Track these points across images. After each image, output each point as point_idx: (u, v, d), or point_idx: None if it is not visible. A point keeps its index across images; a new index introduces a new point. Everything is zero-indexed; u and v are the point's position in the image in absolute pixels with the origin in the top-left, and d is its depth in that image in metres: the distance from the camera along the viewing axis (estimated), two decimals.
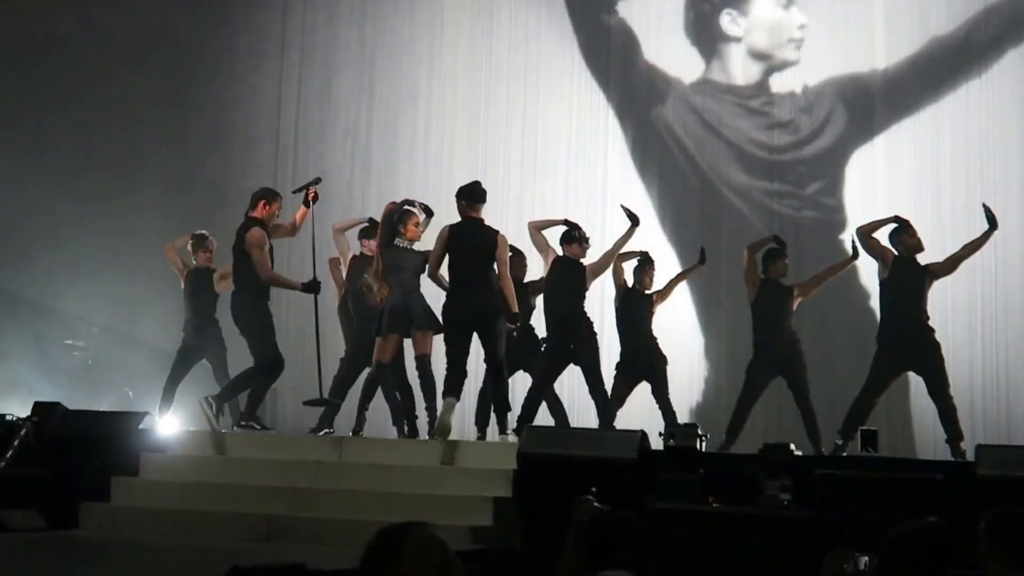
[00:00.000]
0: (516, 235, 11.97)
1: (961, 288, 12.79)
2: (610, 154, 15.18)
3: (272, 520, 9.57)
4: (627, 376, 12.18)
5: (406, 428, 11.36)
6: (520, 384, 12.23)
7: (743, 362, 12.15)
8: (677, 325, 13.38)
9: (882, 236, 11.51)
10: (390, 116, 15.89)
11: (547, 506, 8.67)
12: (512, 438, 10.45)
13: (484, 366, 10.99)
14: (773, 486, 9.01)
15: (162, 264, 12.82)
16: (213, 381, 12.15)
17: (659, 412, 11.97)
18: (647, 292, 12.29)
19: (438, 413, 10.63)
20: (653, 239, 14.04)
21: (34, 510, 9.95)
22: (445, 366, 10.70)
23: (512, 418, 11.06)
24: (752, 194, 14.75)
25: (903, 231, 11.43)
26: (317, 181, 11.60)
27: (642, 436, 9.76)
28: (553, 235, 12.09)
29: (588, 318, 11.81)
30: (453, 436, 10.74)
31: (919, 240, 11.42)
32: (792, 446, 9.93)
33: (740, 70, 15.16)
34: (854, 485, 8.94)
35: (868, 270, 12.60)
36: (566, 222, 12.14)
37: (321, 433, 11.35)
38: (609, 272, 12.19)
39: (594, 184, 15.03)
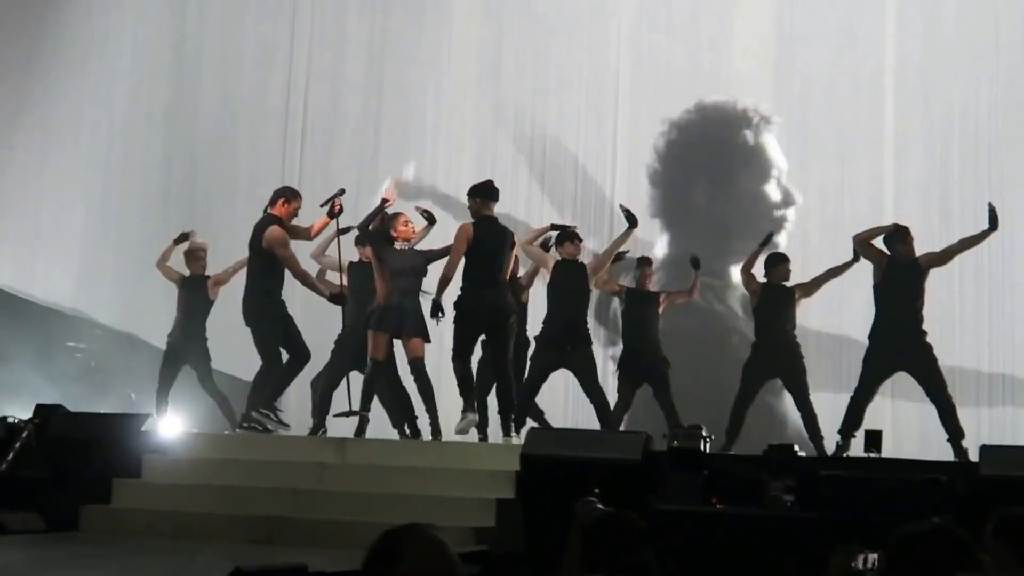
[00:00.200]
0: (521, 232, 12.04)
1: (968, 287, 12.77)
2: (619, 156, 15.17)
3: (274, 522, 9.57)
4: (628, 379, 12.19)
5: (407, 429, 11.39)
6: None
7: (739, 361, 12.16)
8: (678, 326, 13.33)
9: (877, 241, 11.50)
10: (397, 119, 15.89)
11: (550, 507, 8.64)
12: (516, 440, 10.43)
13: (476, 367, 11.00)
14: (777, 487, 9.00)
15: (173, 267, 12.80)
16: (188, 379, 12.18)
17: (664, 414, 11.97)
18: (651, 292, 12.30)
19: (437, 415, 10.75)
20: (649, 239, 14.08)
21: (35, 512, 9.95)
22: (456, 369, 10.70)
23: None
24: (758, 200, 14.73)
25: (899, 239, 11.44)
26: (341, 192, 11.41)
27: (646, 438, 9.76)
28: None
29: (587, 323, 11.79)
30: (455, 438, 10.82)
31: (912, 248, 11.42)
32: (796, 447, 9.92)
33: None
34: (858, 486, 8.92)
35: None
36: (553, 227, 12.11)
37: (319, 434, 11.31)
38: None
39: (603, 184, 15.02)
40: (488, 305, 10.63)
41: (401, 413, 11.60)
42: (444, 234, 11.71)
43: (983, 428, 12.34)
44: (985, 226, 11.35)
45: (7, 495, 10.08)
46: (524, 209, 14.66)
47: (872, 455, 10.21)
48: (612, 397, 12.12)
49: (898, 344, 11.19)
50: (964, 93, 13.99)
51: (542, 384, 11.74)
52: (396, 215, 11.22)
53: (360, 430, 11.07)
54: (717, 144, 14.98)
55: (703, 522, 8.91)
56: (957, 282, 11.98)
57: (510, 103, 15.53)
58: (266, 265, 10.90)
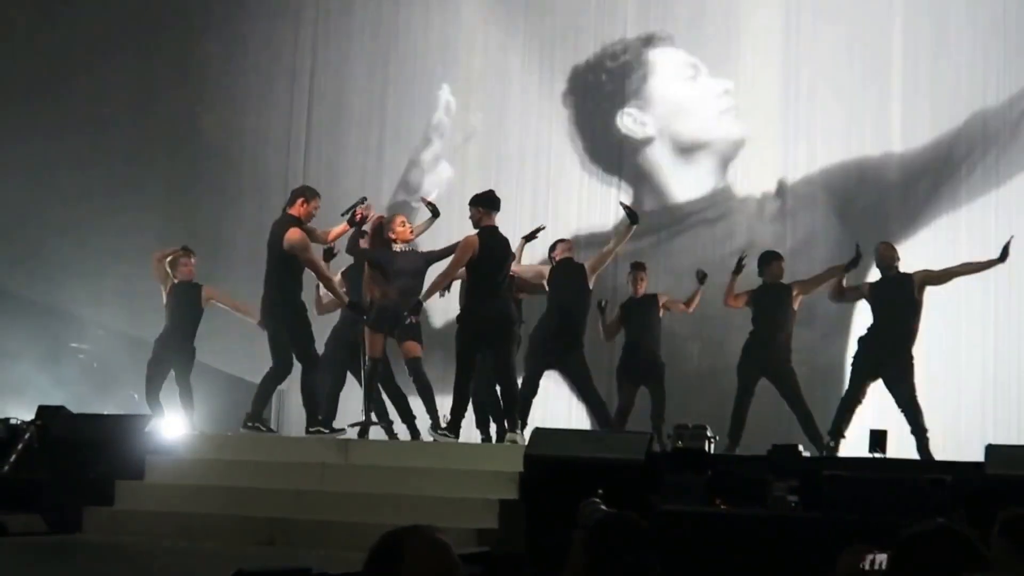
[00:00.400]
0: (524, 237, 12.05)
1: (974, 288, 12.73)
2: (624, 155, 15.17)
3: (277, 523, 9.56)
4: (628, 380, 12.21)
5: (408, 430, 11.39)
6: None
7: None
8: (679, 327, 13.32)
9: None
10: (403, 124, 15.90)
11: (553, 508, 8.64)
12: (520, 438, 10.41)
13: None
14: (781, 487, 8.99)
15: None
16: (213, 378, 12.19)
17: (666, 414, 11.98)
18: (647, 296, 12.31)
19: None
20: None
21: (37, 514, 9.94)
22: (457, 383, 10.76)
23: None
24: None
25: (876, 252, 11.55)
26: (363, 201, 11.31)
27: (650, 438, 9.77)
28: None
29: (583, 326, 11.77)
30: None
31: (893, 253, 11.49)
32: (800, 447, 9.91)
33: (678, 179, 14.98)
34: (862, 486, 8.91)
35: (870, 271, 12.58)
36: (524, 239, 12.03)
37: (317, 431, 11.25)
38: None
39: (608, 185, 15.03)
40: (492, 314, 10.64)
41: (402, 415, 11.58)
42: (446, 233, 11.71)
43: (988, 427, 12.28)
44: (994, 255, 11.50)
45: (9, 496, 10.08)
46: (529, 210, 14.64)
47: (877, 455, 10.20)
48: (610, 399, 12.13)
49: (883, 352, 11.30)
50: (971, 88, 13.95)
51: (538, 380, 11.73)
52: (393, 216, 11.27)
53: (363, 431, 11.06)
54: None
55: (707, 522, 8.90)
56: (963, 281, 11.93)
57: (515, 108, 15.52)
58: (283, 266, 10.82)
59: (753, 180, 14.55)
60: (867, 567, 4.38)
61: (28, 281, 14.75)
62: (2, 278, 14.86)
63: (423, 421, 11.14)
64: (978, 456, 9.56)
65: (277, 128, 16.16)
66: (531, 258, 12.60)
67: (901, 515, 7.70)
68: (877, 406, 12.08)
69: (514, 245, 11.25)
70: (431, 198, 12.62)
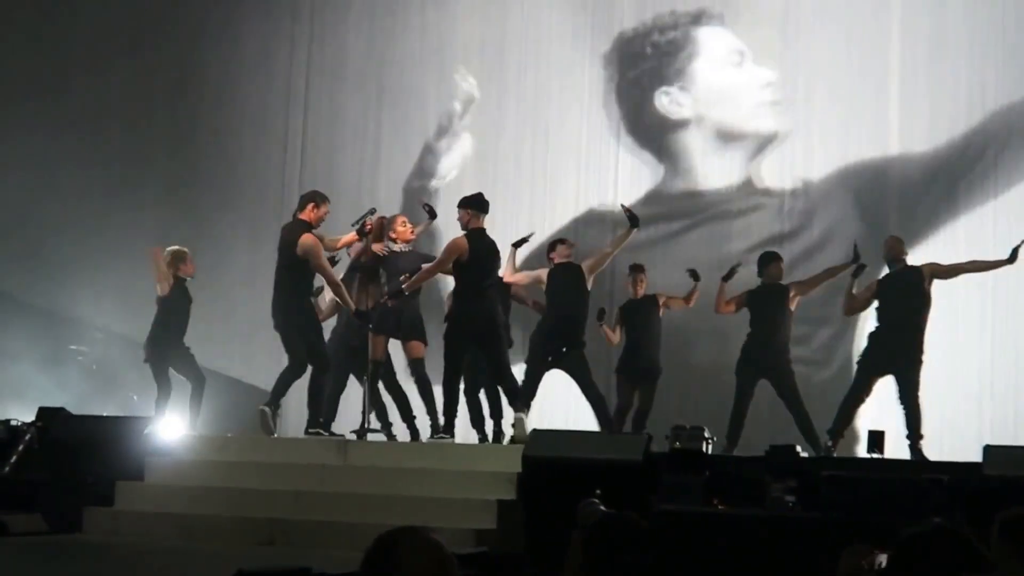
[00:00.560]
0: (526, 245, 12.09)
1: (972, 288, 12.76)
2: (621, 157, 15.19)
3: (277, 524, 9.60)
4: (628, 380, 12.24)
5: (408, 431, 11.42)
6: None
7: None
8: (678, 328, 13.34)
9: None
10: (399, 126, 15.92)
11: (551, 509, 8.68)
12: (526, 416, 10.48)
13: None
14: (778, 488, 9.00)
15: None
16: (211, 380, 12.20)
17: (665, 415, 11.99)
18: (647, 296, 12.34)
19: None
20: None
21: (37, 514, 9.98)
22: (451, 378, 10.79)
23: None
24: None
25: (884, 245, 11.56)
26: (372, 212, 11.37)
27: (647, 439, 9.79)
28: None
29: (584, 326, 11.78)
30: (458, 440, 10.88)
31: (901, 246, 11.52)
32: (798, 448, 9.93)
33: (708, 166, 14.87)
34: (860, 487, 8.93)
35: (870, 272, 12.59)
36: (514, 245, 12.04)
37: (316, 433, 11.28)
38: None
39: (604, 188, 15.04)
40: (478, 315, 10.73)
41: (402, 416, 11.62)
42: (446, 233, 11.76)
43: (985, 427, 12.30)
44: (1003, 256, 11.49)
45: (10, 497, 10.10)
46: (527, 213, 14.66)
47: (875, 455, 10.22)
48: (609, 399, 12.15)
49: (890, 346, 11.30)
50: (969, 90, 13.98)
51: (536, 384, 11.76)
52: (394, 216, 11.31)
53: (362, 432, 11.09)
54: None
55: (705, 523, 8.92)
56: (961, 282, 11.97)
57: (511, 109, 15.53)
58: (296, 271, 10.87)
59: (779, 176, 14.55)
60: (868, 567, 4.40)
61: (28, 282, 14.77)
62: (2, 279, 14.88)
63: (421, 421, 11.20)
64: (976, 457, 9.59)
65: (274, 130, 16.18)
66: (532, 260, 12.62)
67: (899, 516, 7.73)
68: (873, 407, 12.13)
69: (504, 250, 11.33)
70: (447, 193, 12.68)
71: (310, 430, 10.99)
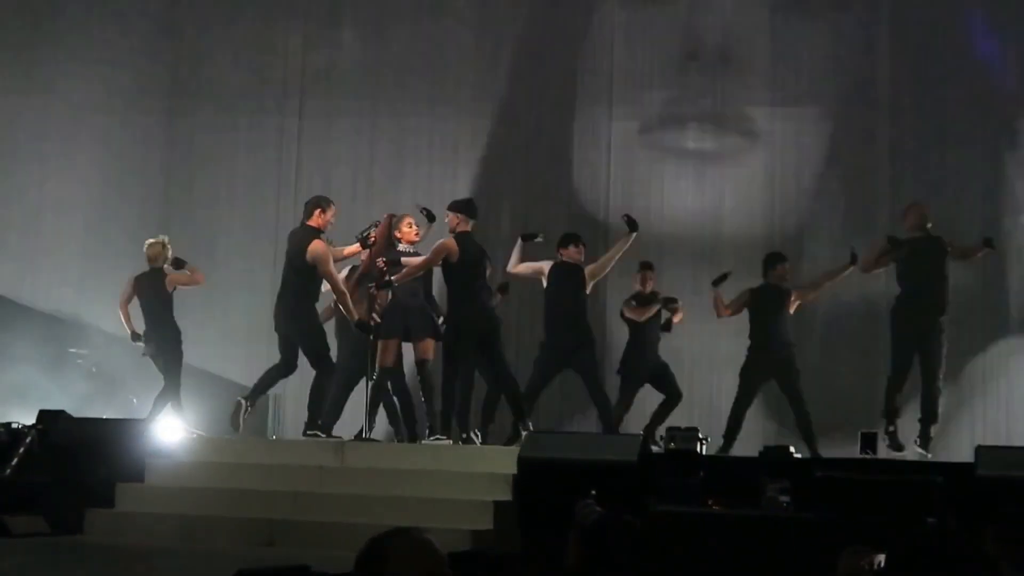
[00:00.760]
0: (514, 243, 12.15)
1: (963, 287, 12.84)
2: (614, 160, 15.26)
3: (275, 524, 9.65)
4: (631, 380, 12.32)
5: (405, 432, 11.47)
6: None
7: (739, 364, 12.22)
8: (676, 328, 13.41)
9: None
10: (394, 126, 15.98)
11: (547, 509, 8.71)
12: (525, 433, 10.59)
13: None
14: (773, 488, 9.04)
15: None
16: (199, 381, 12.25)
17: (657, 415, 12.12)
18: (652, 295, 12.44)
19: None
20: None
21: (39, 516, 10.00)
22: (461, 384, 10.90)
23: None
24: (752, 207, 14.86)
25: (912, 212, 11.56)
26: (376, 224, 11.38)
27: (643, 439, 9.85)
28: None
29: (588, 324, 11.83)
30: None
31: (927, 212, 11.56)
32: (792, 448, 9.98)
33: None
34: (854, 487, 8.97)
35: (877, 277, 12.70)
36: (522, 237, 12.13)
37: (314, 435, 11.33)
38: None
39: (596, 191, 15.13)
40: (478, 315, 10.88)
41: (404, 417, 11.66)
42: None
43: (977, 428, 12.39)
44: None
45: (11, 499, 10.11)
46: (521, 217, 14.73)
47: (868, 456, 10.28)
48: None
49: (917, 322, 11.35)
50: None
51: (543, 388, 11.81)
52: (401, 216, 11.34)
53: (359, 434, 11.15)
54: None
55: (700, 523, 8.94)
56: (952, 282, 12.05)
57: (506, 113, 15.61)
58: (303, 276, 10.96)
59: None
60: (868, 567, 4.46)
61: (29, 285, 14.81)
62: (3, 283, 14.92)
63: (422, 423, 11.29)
64: (968, 457, 9.65)
65: (271, 134, 16.25)
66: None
67: (893, 516, 7.81)
68: (869, 406, 12.19)
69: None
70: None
71: (308, 432, 11.07)
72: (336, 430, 11.38)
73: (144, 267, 12.07)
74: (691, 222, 14.98)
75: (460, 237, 10.89)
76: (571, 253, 11.79)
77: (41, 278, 14.77)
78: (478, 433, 11.15)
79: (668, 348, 12.60)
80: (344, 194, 14.75)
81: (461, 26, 15.86)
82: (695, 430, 10.09)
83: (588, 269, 11.85)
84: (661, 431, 11.16)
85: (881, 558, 4.54)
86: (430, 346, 11.18)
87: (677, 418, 11.89)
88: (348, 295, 11.05)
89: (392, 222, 11.32)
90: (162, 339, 11.90)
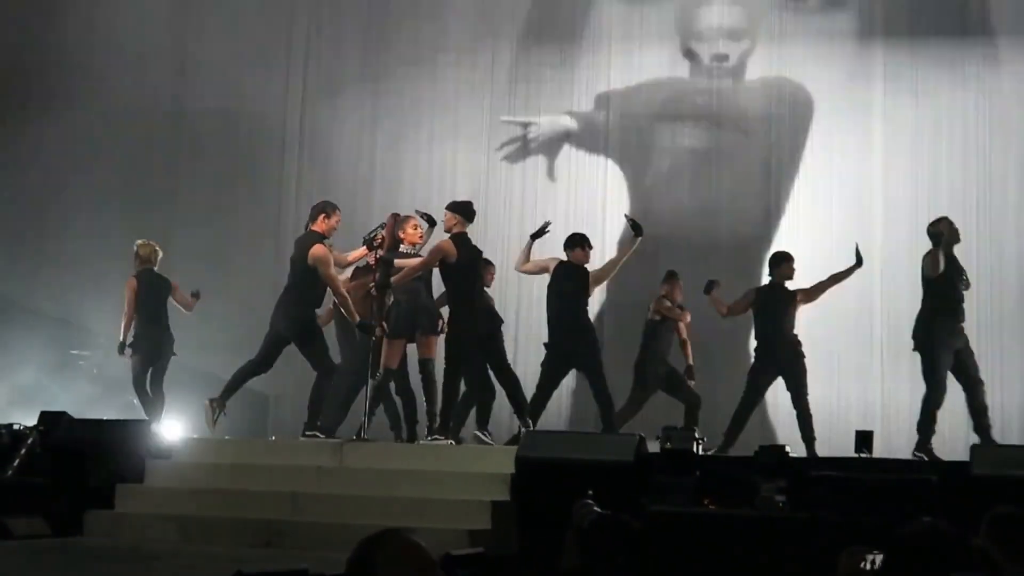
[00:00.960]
0: (516, 249, 12.21)
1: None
2: (610, 163, 15.31)
3: (274, 525, 9.67)
4: (642, 383, 12.43)
5: (405, 432, 11.53)
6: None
7: (738, 364, 12.27)
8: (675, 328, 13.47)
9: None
10: (394, 128, 16.04)
11: (544, 509, 8.76)
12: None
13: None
14: (769, 488, 9.07)
15: (165, 272, 12.87)
16: (193, 383, 12.34)
17: (656, 415, 12.19)
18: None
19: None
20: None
21: (39, 517, 10.00)
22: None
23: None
24: (748, 199, 14.93)
25: (946, 226, 11.50)
26: (383, 226, 11.45)
27: (639, 440, 9.88)
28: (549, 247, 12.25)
29: (591, 324, 11.87)
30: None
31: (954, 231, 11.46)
32: (787, 448, 10.02)
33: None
34: (849, 486, 9.01)
35: (865, 275, 12.74)
36: (532, 236, 12.19)
37: (313, 436, 11.38)
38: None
39: (594, 194, 15.17)
40: (480, 317, 11.04)
41: (405, 417, 11.73)
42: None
43: (970, 427, 12.41)
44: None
45: (12, 500, 10.12)
46: (517, 220, 14.78)
47: (863, 455, 10.31)
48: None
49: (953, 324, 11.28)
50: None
51: (553, 389, 11.85)
52: (406, 219, 11.41)
53: (358, 434, 11.19)
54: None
55: (695, 523, 8.98)
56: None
57: (504, 112, 15.67)
58: (306, 281, 11.04)
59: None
60: (866, 567, 4.50)
61: (33, 288, 14.84)
62: (8, 285, 14.96)
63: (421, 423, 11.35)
64: (963, 456, 9.69)
65: (272, 137, 16.31)
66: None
67: (888, 515, 7.84)
68: (865, 405, 12.21)
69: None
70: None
71: (307, 433, 11.14)
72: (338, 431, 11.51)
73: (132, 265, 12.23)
74: (690, 220, 15.03)
75: (456, 238, 10.97)
76: (578, 255, 11.82)
77: (45, 280, 14.80)
78: (488, 432, 11.22)
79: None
80: (344, 200, 14.81)
81: (461, 21, 15.92)
82: (692, 430, 10.13)
83: (593, 273, 11.90)
84: (658, 431, 11.19)
85: (879, 557, 4.57)
86: (433, 344, 11.26)
87: (674, 418, 11.94)
88: (349, 298, 11.13)
89: (397, 220, 11.40)
90: (161, 338, 12.15)
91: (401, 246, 11.30)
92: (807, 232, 14.44)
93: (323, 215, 11.15)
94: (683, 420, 12.04)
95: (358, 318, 11.02)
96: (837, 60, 14.81)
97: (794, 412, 11.83)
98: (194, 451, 11.05)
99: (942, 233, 11.23)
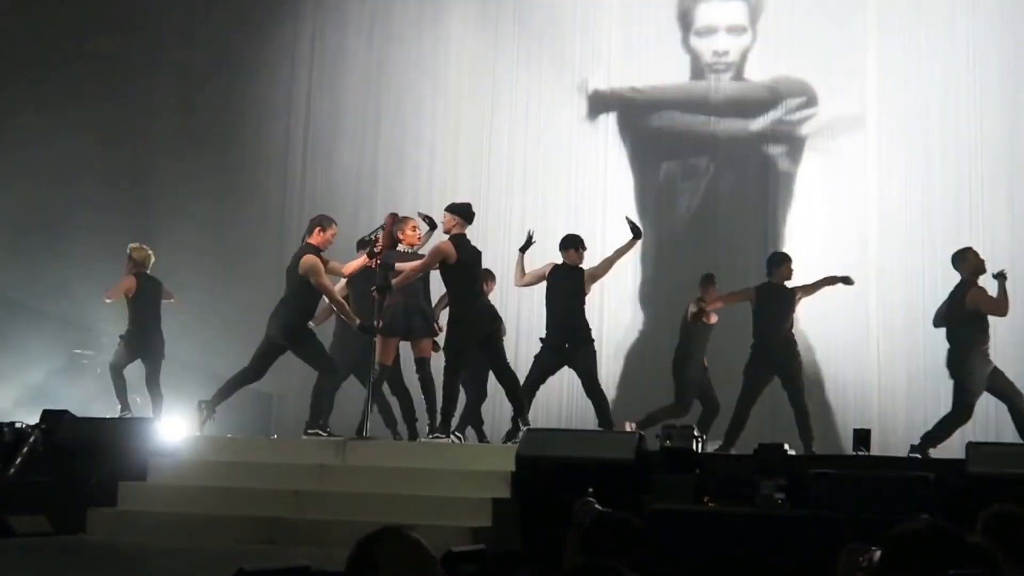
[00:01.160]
0: (516, 246, 12.25)
1: (950, 285, 12.91)
2: (609, 165, 15.36)
3: (277, 523, 9.73)
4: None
5: (406, 430, 11.58)
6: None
7: (736, 362, 12.30)
8: (670, 328, 13.50)
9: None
10: (396, 131, 16.08)
11: (545, 506, 8.79)
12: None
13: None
14: (768, 486, 9.11)
15: (170, 273, 12.94)
16: (199, 384, 12.38)
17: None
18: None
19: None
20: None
21: (42, 515, 10.05)
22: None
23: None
24: (746, 193, 14.98)
25: (972, 256, 11.55)
26: (383, 228, 11.54)
27: (639, 437, 9.92)
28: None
29: (587, 322, 11.92)
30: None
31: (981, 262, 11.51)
32: (786, 446, 10.06)
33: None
34: (848, 484, 9.03)
35: (866, 279, 12.79)
36: (521, 250, 12.22)
37: (315, 434, 11.43)
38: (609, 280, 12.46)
39: (594, 196, 15.22)
40: (482, 316, 11.09)
41: (404, 415, 11.79)
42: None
43: (967, 425, 12.46)
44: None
45: (15, 499, 10.16)
46: (518, 220, 14.82)
47: (861, 453, 10.35)
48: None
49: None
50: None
51: (541, 384, 11.91)
52: (405, 220, 11.49)
53: (359, 432, 11.24)
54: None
55: (696, 521, 9.02)
56: (940, 278, 12.19)
57: (504, 111, 15.71)
58: (301, 291, 11.19)
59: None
60: (864, 563, 4.53)
61: (37, 288, 14.88)
62: (13, 286, 15.00)
63: (421, 421, 11.39)
64: (959, 454, 9.73)
65: (276, 142, 16.35)
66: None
67: (887, 513, 7.88)
68: (861, 404, 12.21)
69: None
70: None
71: (309, 431, 11.22)
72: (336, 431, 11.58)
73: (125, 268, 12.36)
74: (688, 217, 15.08)
75: (456, 239, 11.03)
76: (572, 256, 11.91)
77: (50, 280, 14.84)
78: (460, 436, 11.33)
79: (668, 350, 12.68)
80: (346, 201, 14.88)
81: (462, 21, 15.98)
82: (691, 428, 10.16)
83: (589, 271, 11.97)
84: (657, 430, 11.23)
85: (878, 554, 4.60)
86: (428, 345, 11.35)
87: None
88: (345, 304, 11.24)
89: (396, 220, 11.46)
90: (156, 339, 12.34)
91: (399, 246, 11.35)
92: (802, 234, 14.52)
93: (318, 228, 11.33)
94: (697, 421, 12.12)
95: (358, 321, 11.09)
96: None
97: (792, 411, 11.90)
98: (196, 449, 11.07)
99: (980, 264, 11.37)
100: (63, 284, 14.45)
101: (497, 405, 12.05)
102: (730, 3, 15.43)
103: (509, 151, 15.66)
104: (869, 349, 14.17)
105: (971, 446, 9.59)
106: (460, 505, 9.55)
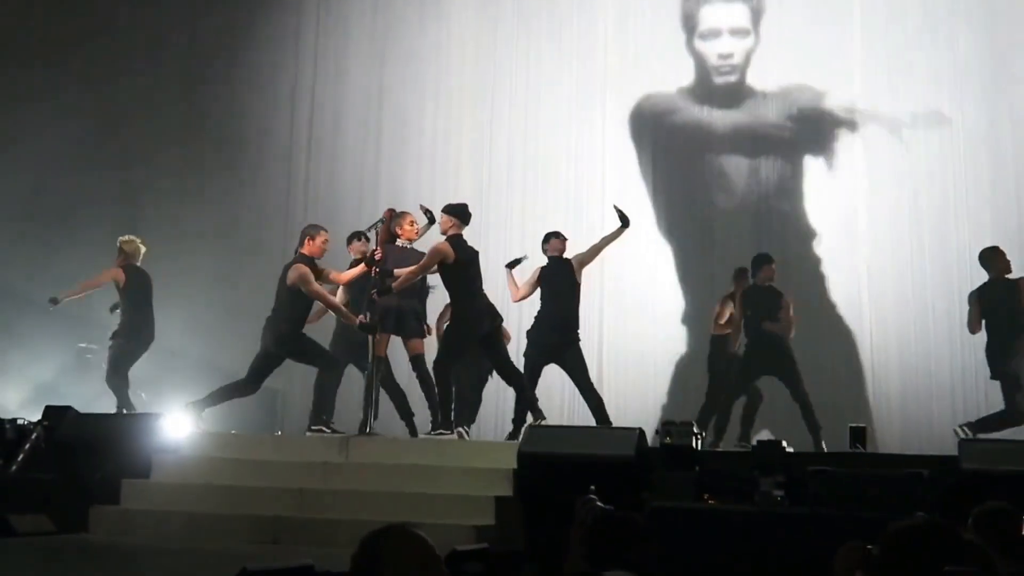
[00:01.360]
0: (518, 244, 12.29)
1: (939, 281, 12.99)
2: (608, 161, 15.40)
3: (280, 521, 9.74)
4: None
5: (407, 427, 11.66)
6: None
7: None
8: (669, 325, 13.56)
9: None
10: (398, 128, 16.11)
11: (548, 504, 8.82)
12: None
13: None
14: (767, 483, 9.15)
15: (172, 268, 12.98)
16: (203, 380, 12.46)
17: (654, 410, 12.29)
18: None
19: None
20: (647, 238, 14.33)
21: (44, 514, 10.03)
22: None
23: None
24: (742, 196, 15.03)
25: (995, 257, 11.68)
26: (383, 220, 11.58)
27: (639, 434, 9.95)
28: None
29: (576, 319, 11.95)
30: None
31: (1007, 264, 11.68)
32: (784, 443, 10.11)
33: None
34: (845, 481, 9.06)
35: (858, 276, 12.84)
36: (508, 266, 12.31)
37: (319, 431, 11.49)
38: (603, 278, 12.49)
39: (592, 190, 15.26)
40: (484, 315, 11.10)
41: (399, 412, 11.87)
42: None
43: (959, 422, 12.53)
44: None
45: (17, 497, 10.13)
46: (519, 216, 14.86)
47: (858, 450, 10.39)
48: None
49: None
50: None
51: (536, 379, 11.95)
52: (403, 215, 11.55)
53: (363, 429, 11.29)
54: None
55: (696, 518, 9.05)
56: (930, 274, 12.25)
57: (505, 107, 15.75)
58: (291, 301, 11.27)
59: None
60: (862, 561, 4.58)
61: (42, 284, 14.92)
62: (17, 283, 15.03)
63: (422, 419, 11.43)
64: (952, 450, 9.78)
65: (280, 138, 16.39)
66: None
67: (884, 510, 7.93)
68: (856, 402, 12.27)
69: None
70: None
71: (312, 428, 11.29)
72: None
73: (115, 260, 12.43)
74: (687, 215, 15.13)
75: (453, 240, 11.09)
76: (555, 245, 11.99)
77: (54, 274, 14.87)
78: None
79: (667, 347, 12.75)
80: (350, 195, 14.90)
81: (464, 21, 16.01)
82: (690, 425, 10.20)
83: (576, 259, 11.98)
84: (656, 426, 11.28)
85: (875, 551, 4.64)
86: (419, 344, 11.52)
87: (673, 413, 12.05)
88: (341, 306, 11.31)
89: (394, 215, 11.52)
90: (145, 331, 12.38)
91: (398, 241, 11.42)
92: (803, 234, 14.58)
93: (308, 238, 11.44)
94: (697, 415, 12.21)
95: (358, 321, 11.15)
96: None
97: (796, 405, 11.98)
98: (200, 446, 11.08)
99: (1007, 264, 11.62)
100: (70, 277, 14.48)
101: (501, 403, 12.07)
102: (733, 6, 15.47)
103: (509, 146, 15.69)
104: (863, 347, 14.22)
105: (964, 443, 9.64)
106: (463, 503, 9.57)
